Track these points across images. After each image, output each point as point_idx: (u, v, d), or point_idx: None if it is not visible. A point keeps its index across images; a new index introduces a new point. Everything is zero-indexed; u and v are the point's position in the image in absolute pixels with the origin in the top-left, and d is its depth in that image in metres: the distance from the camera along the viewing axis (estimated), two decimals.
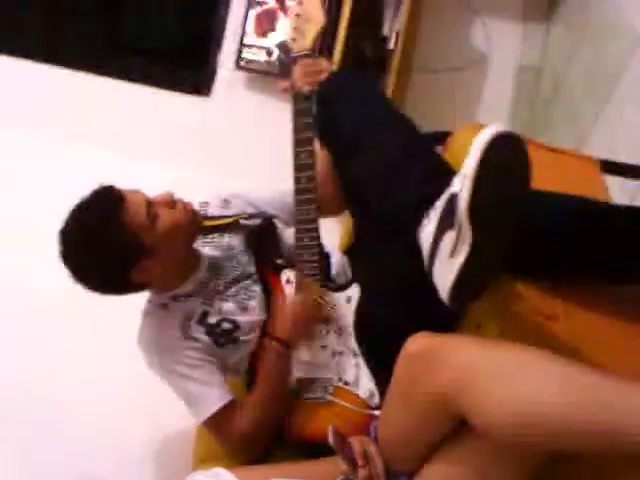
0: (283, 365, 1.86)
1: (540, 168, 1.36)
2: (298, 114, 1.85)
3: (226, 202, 2.07)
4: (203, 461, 1.98)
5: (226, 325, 1.90)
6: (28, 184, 3.02)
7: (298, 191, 1.83)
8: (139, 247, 1.79)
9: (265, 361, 1.87)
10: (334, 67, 2.58)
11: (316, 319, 1.83)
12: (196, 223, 1.91)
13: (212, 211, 2.04)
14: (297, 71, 1.87)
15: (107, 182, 1.83)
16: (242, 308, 1.91)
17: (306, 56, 1.88)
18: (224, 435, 1.89)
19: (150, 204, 1.80)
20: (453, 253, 1.35)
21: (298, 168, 1.83)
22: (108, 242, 1.76)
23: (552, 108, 3.02)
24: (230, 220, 2.02)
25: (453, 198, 1.35)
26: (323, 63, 1.90)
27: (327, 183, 1.90)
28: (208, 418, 1.87)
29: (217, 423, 1.88)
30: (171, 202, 1.84)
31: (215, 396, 1.87)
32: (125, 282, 1.85)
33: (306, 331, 1.84)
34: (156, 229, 1.79)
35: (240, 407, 1.88)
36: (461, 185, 1.31)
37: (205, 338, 1.89)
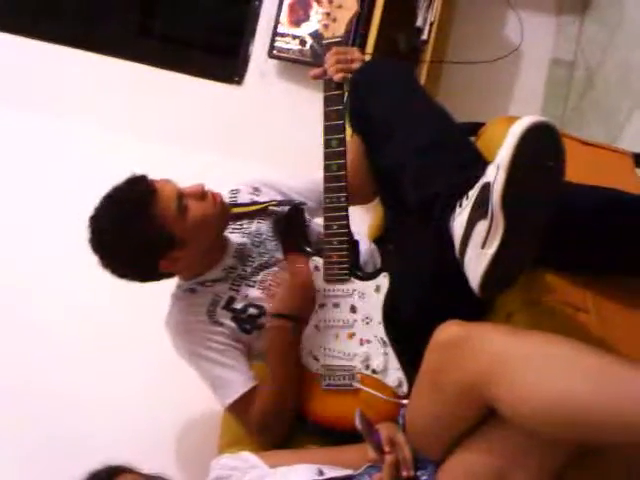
0: (286, 340, 1.86)
1: (573, 161, 1.36)
2: (329, 101, 1.85)
3: (256, 189, 2.08)
4: (229, 445, 1.99)
5: (252, 310, 1.92)
6: (55, 171, 3.04)
7: (328, 179, 1.83)
8: (169, 238, 1.81)
9: (269, 340, 1.88)
10: (366, 57, 2.59)
11: (310, 286, 1.85)
12: (225, 215, 1.93)
13: (242, 198, 2.06)
14: (329, 59, 1.87)
15: (139, 171, 1.85)
16: (269, 294, 1.93)
17: (338, 43, 1.88)
18: (247, 419, 1.91)
19: (181, 196, 1.82)
20: (485, 243, 1.35)
21: (329, 156, 1.83)
22: (139, 233, 1.79)
23: (585, 102, 2.99)
24: (259, 207, 2.03)
25: (486, 187, 1.34)
26: (355, 52, 1.90)
27: (358, 172, 1.90)
28: (232, 403, 1.89)
29: (241, 408, 1.90)
30: (201, 194, 1.86)
31: (240, 381, 1.90)
32: (153, 271, 1.89)
33: (305, 299, 1.85)
34: (186, 221, 1.82)
35: (258, 390, 1.90)
36: (495, 174, 1.31)
37: (231, 324, 1.91)
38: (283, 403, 1.88)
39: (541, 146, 1.28)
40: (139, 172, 1.85)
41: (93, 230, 1.82)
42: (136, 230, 1.79)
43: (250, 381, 1.90)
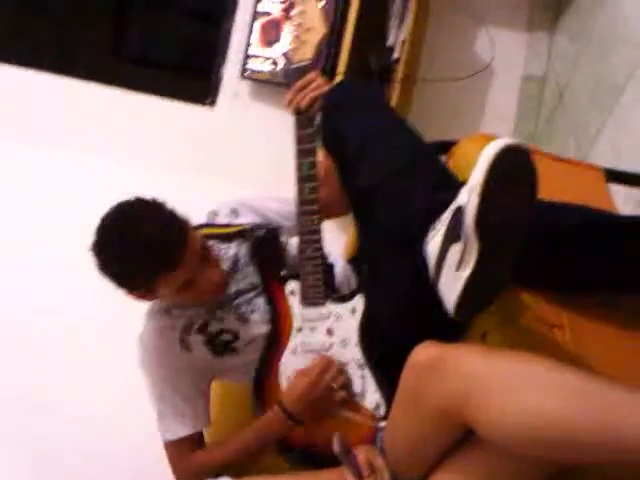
0: (274, 434, 1.85)
1: (546, 178, 1.36)
2: (300, 125, 1.84)
3: (235, 211, 2.07)
4: None
5: (226, 336, 1.91)
6: (25, 193, 3.06)
7: (301, 202, 1.82)
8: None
9: (260, 421, 1.87)
10: (338, 77, 2.59)
11: (327, 401, 1.79)
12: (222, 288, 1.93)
13: (220, 220, 2.05)
14: (290, 93, 1.88)
15: (175, 206, 1.81)
16: (243, 320, 1.92)
17: (306, 67, 1.88)
18: (181, 460, 1.91)
19: (200, 262, 1.80)
20: (460, 266, 1.35)
21: (301, 179, 1.82)
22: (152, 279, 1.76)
23: (556, 118, 3.02)
24: (236, 229, 2.02)
25: (460, 210, 1.35)
26: (318, 78, 1.87)
27: (331, 187, 1.89)
28: (175, 440, 1.89)
29: (179, 447, 1.90)
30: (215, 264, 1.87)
31: (191, 422, 1.90)
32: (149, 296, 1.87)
33: (313, 410, 1.81)
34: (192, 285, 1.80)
35: (206, 447, 1.93)
36: (468, 197, 1.31)
37: (203, 349, 1.90)
38: (224, 471, 1.88)
39: (513, 169, 1.29)
40: (166, 201, 1.81)
41: (110, 255, 1.75)
42: (151, 277, 1.76)
43: (200, 424, 1.92)
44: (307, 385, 1.78)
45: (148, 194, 1.81)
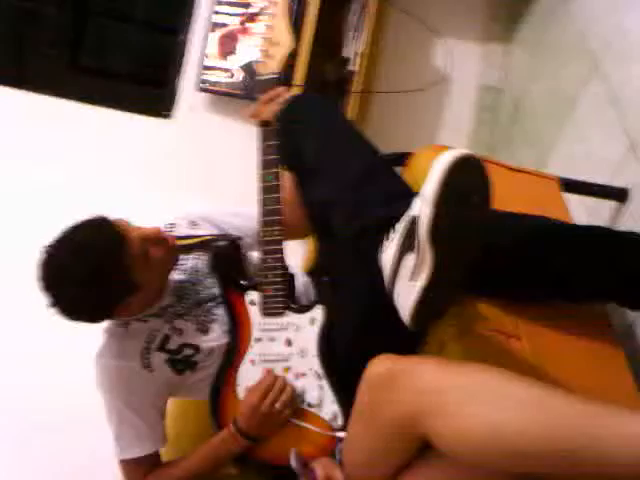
0: (230, 453, 1.85)
1: (501, 188, 1.37)
2: (263, 137, 1.86)
3: (194, 223, 2.06)
4: None
5: (187, 351, 1.89)
6: None
7: (264, 213, 1.82)
8: (132, 285, 1.77)
9: (217, 441, 1.87)
10: (295, 89, 2.60)
11: (278, 416, 1.78)
12: (176, 258, 1.92)
13: (179, 232, 2.03)
14: (256, 105, 1.90)
15: (100, 213, 1.78)
16: (202, 330, 1.90)
17: (273, 80, 1.89)
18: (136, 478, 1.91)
19: (144, 242, 1.78)
20: (414, 275, 1.35)
21: (264, 190, 1.83)
22: (107, 282, 1.72)
23: (512, 128, 3.05)
24: (196, 241, 2.01)
25: (413, 220, 1.35)
26: (283, 91, 1.90)
27: (293, 206, 1.90)
28: (130, 459, 1.88)
29: (133, 468, 1.89)
30: (161, 239, 1.83)
31: (149, 442, 1.89)
32: (107, 316, 1.84)
33: (268, 427, 1.80)
34: (147, 267, 1.78)
35: (163, 465, 1.91)
36: (421, 207, 1.32)
37: (164, 368, 1.88)
38: None
39: (465, 180, 1.29)
40: (101, 214, 1.78)
41: (55, 276, 1.73)
42: (105, 279, 1.72)
43: (158, 444, 1.91)
44: (255, 402, 1.77)
45: (103, 208, 1.79)
